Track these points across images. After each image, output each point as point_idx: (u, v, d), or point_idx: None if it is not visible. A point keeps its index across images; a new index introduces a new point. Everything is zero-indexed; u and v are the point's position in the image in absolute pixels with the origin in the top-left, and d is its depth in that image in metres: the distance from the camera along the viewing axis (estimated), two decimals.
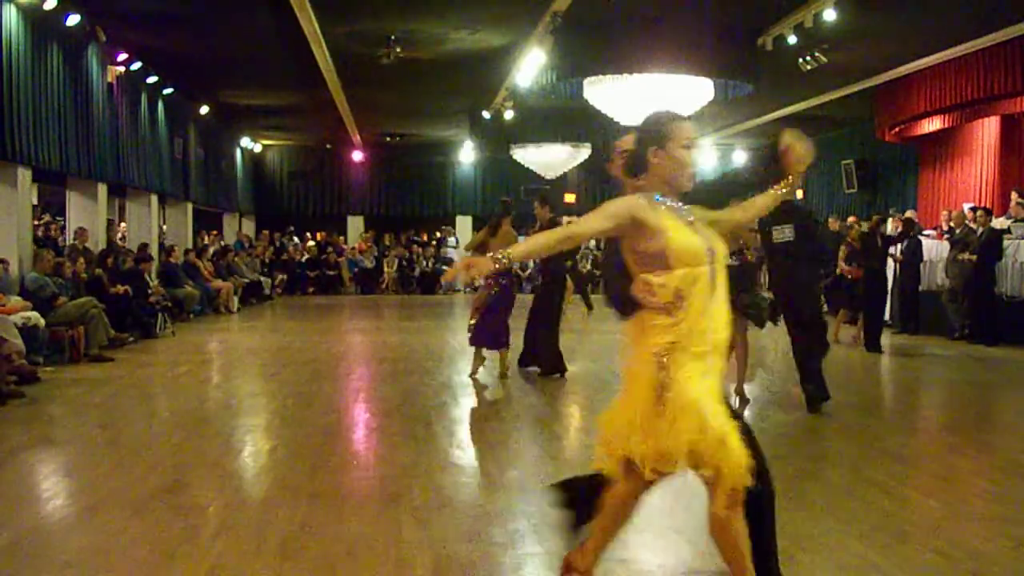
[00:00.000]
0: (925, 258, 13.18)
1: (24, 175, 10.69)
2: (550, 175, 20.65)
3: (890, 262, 12.70)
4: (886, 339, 11.96)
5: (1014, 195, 13.11)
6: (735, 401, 7.22)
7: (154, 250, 14.85)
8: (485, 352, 8.86)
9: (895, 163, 17.92)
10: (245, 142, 22.50)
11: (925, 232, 13.87)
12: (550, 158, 19.52)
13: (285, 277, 22.13)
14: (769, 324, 7.61)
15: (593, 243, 22.53)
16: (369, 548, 4.00)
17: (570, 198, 24.31)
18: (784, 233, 7.04)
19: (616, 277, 3.19)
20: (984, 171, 15.09)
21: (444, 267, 23.54)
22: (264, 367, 10.19)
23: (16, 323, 8.58)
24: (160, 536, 4.14)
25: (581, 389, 8.66)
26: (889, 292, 12.63)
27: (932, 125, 14.79)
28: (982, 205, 13.26)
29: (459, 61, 13.39)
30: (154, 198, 15.61)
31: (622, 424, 3.02)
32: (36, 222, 14.16)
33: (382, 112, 18.62)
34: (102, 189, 13.14)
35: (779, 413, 7.50)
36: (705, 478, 2.94)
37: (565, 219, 8.95)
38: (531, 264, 23.30)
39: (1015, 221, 12.49)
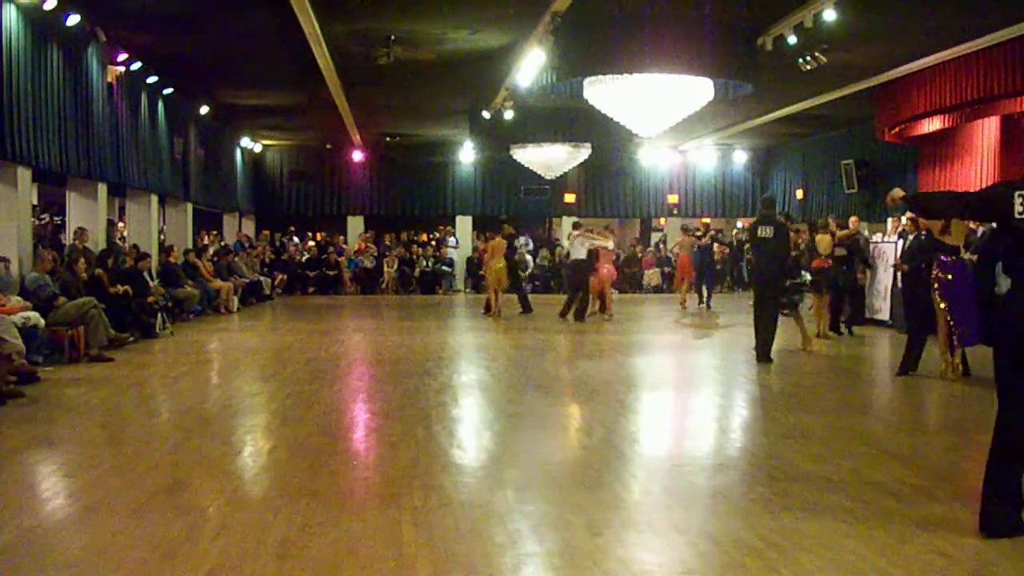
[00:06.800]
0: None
1: (24, 175, 10.69)
2: (550, 175, 20.64)
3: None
4: (887, 338, 11.95)
5: None
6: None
7: (154, 250, 14.85)
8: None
9: (895, 163, 17.91)
10: (245, 142, 22.48)
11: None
12: (550, 158, 19.50)
13: (285, 277, 22.14)
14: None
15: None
16: (369, 548, 4.00)
17: (570, 198, 24.32)
18: None
19: None
20: (984, 171, 15.06)
21: (444, 267, 23.59)
22: (264, 367, 10.19)
23: (16, 323, 8.57)
24: (160, 536, 4.14)
25: (581, 389, 8.67)
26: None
27: (932, 125, 14.76)
28: None
29: (459, 61, 13.39)
30: (154, 198, 15.60)
31: None
32: (37, 222, 14.16)
33: (382, 112, 18.60)
34: (102, 189, 13.13)
35: (779, 412, 7.53)
36: None
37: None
38: (531, 264, 23.45)
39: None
